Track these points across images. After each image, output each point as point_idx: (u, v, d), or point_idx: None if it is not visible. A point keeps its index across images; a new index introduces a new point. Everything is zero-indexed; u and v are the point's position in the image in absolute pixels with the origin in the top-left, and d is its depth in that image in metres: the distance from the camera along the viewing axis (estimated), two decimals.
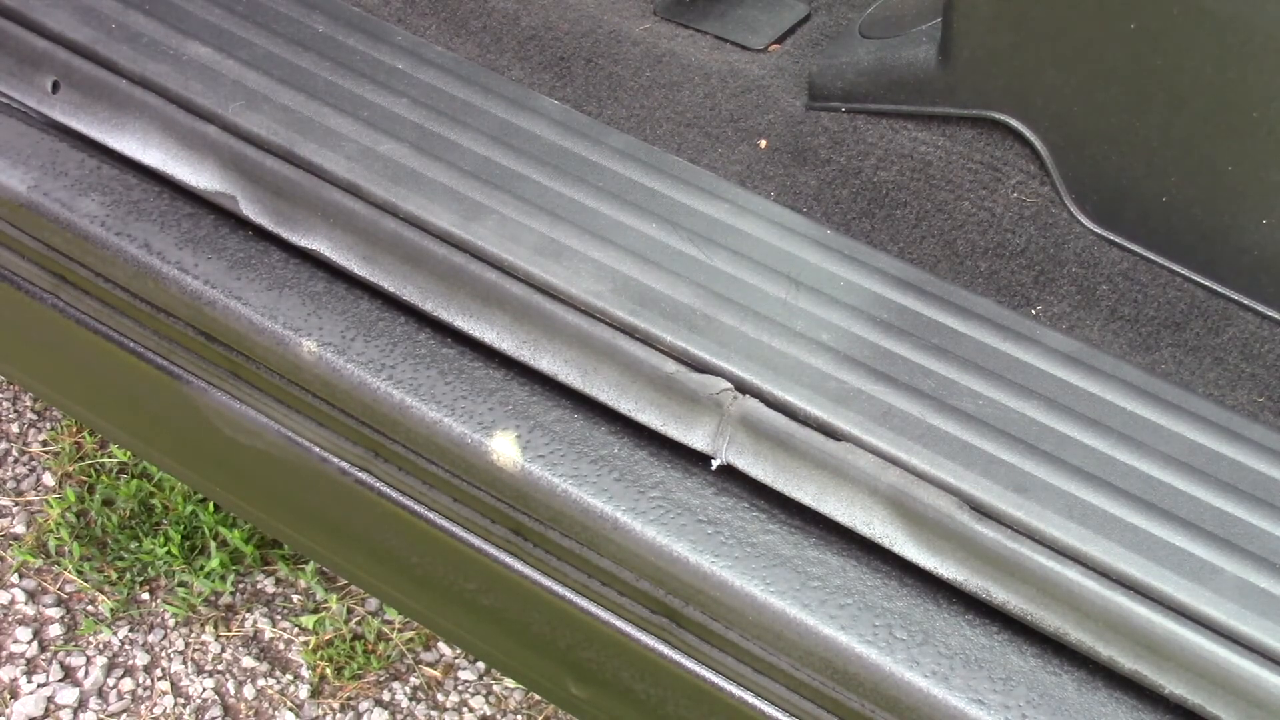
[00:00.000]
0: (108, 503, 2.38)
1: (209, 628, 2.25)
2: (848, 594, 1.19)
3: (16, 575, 2.31)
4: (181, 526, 2.33)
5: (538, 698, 2.16)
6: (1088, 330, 1.41)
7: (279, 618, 2.27)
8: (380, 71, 1.53)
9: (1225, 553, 1.13)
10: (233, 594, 2.29)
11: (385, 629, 2.24)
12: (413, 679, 2.20)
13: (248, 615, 2.27)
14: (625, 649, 1.35)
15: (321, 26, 1.58)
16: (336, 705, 2.16)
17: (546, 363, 1.32)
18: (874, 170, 1.56)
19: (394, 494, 1.42)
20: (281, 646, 2.24)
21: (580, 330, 1.30)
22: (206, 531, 2.32)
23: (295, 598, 2.29)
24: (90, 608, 2.27)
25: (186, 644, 2.23)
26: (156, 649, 2.23)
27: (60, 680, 2.19)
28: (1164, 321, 1.42)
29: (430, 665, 2.21)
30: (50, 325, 1.64)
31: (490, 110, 1.49)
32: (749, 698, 1.28)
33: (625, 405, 1.29)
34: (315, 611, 2.26)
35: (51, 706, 2.15)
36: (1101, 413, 1.24)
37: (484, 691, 2.18)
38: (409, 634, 2.24)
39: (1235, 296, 1.43)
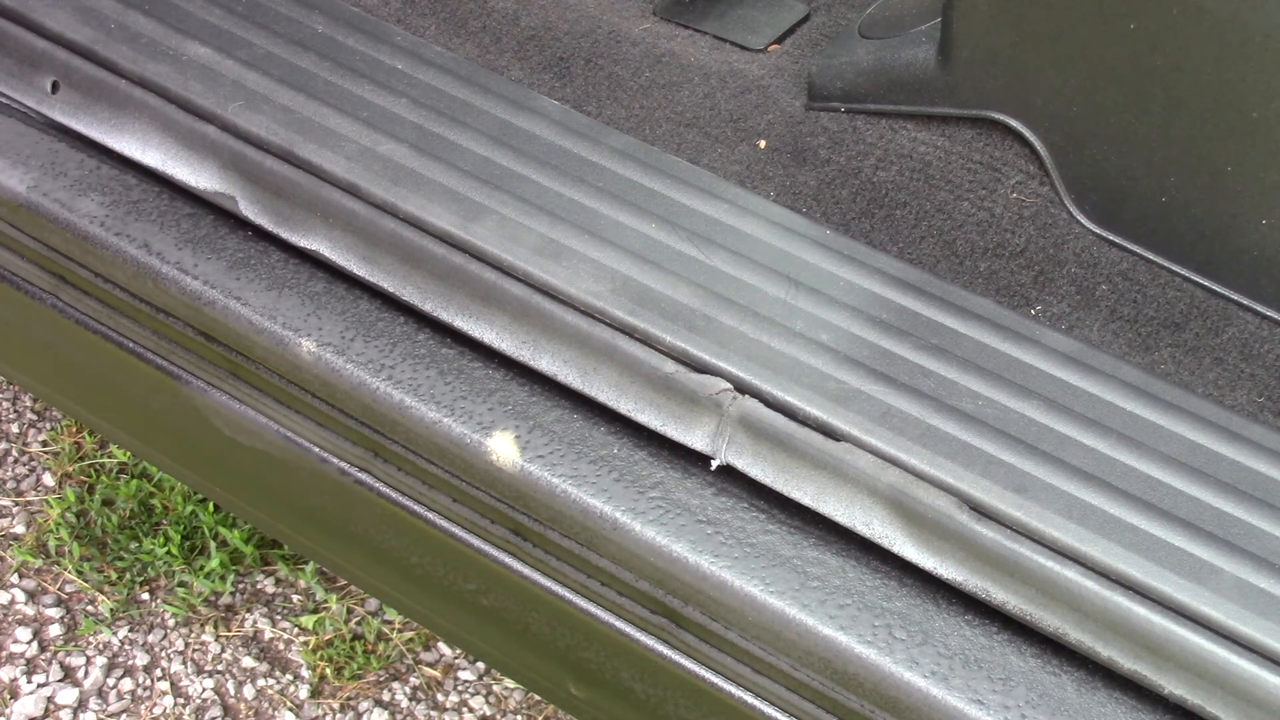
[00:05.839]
0: (108, 503, 2.38)
1: (209, 628, 2.25)
2: (847, 594, 1.19)
3: (16, 575, 2.31)
4: (181, 526, 2.33)
5: (538, 698, 2.16)
6: (1087, 330, 1.41)
7: (279, 618, 2.27)
8: (380, 71, 1.53)
9: (1225, 553, 1.13)
10: (233, 594, 2.29)
11: (385, 629, 2.24)
12: (413, 679, 2.20)
13: (248, 615, 2.27)
14: (625, 649, 1.35)
15: (321, 26, 1.58)
16: (336, 705, 2.16)
17: (546, 363, 1.32)
18: (873, 170, 1.56)
19: (394, 494, 1.42)
20: (281, 646, 2.24)
21: (579, 330, 1.30)
22: (206, 531, 2.32)
23: (295, 598, 2.29)
24: (90, 608, 2.27)
25: (186, 644, 2.23)
26: (156, 649, 2.23)
27: (60, 680, 2.19)
28: (1163, 321, 1.42)
29: (430, 665, 2.21)
30: (50, 325, 1.64)
31: (490, 110, 1.49)
32: (749, 698, 1.28)
33: (624, 405, 1.29)
34: (315, 611, 2.26)
35: (51, 706, 2.16)
36: (1101, 413, 1.24)
37: (484, 691, 2.18)
38: (409, 634, 2.24)
39: (1235, 297, 1.43)
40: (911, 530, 1.18)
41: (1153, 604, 1.11)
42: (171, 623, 2.25)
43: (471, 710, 2.16)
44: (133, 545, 2.32)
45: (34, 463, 2.45)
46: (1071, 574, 1.13)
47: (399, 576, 1.57)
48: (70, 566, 2.30)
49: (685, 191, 1.42)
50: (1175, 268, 1.46)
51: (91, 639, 2.23)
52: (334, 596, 2.27)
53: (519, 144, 1.45)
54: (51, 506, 2.36)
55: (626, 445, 1.29)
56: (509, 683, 2.19)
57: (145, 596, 2.29)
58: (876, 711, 1.18)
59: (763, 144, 1.60)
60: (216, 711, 2.15)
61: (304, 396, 1.42)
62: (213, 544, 2.31)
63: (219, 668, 2.21)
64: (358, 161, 1.41)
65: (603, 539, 1.26)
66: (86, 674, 2.20)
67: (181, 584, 2.29)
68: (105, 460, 2.44)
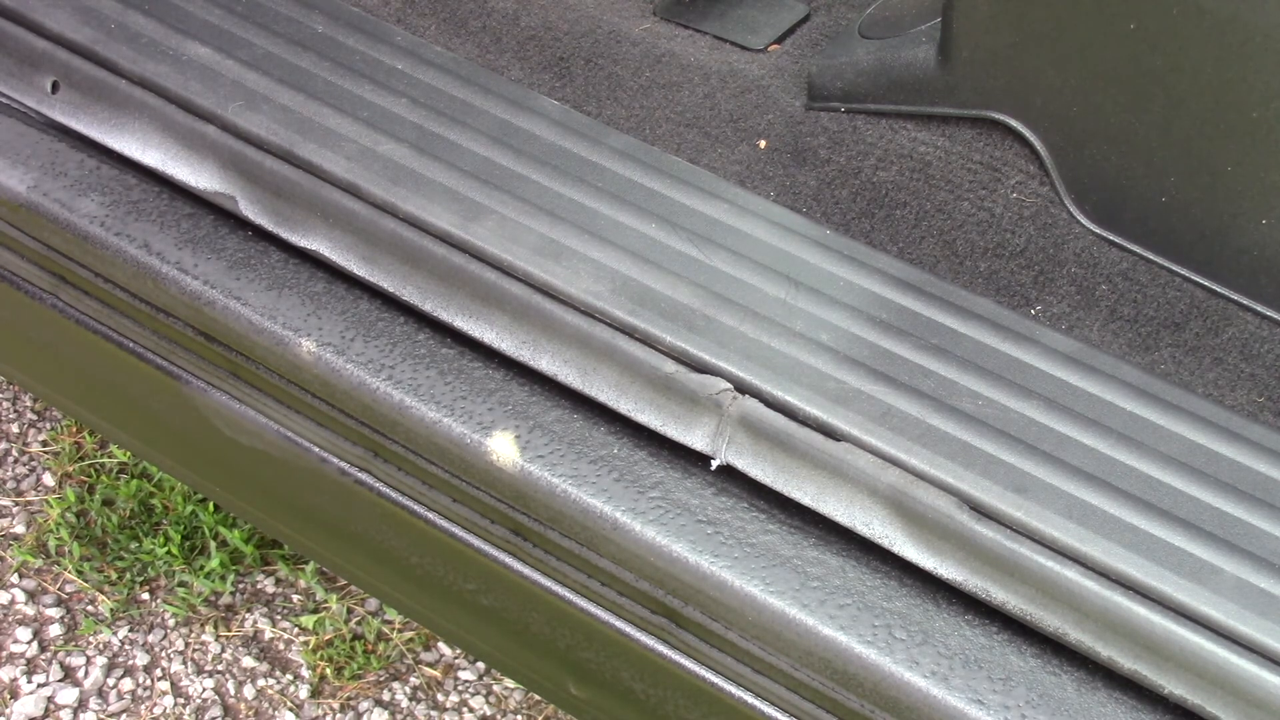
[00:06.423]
0: (108, 503, 2.38)
1: (209, 628, 2.25)
2: (847, 594, 1.19)
3: (16, 575, 2.31)
4: (181, 526, 2.33)
5: (538, 698, 2.16)
6: (1087, 330, 1.41)
7: (279, 618, 2.27)
8: (380, 71, 1.53)
9: (1225, 553, 1.13)
10: (233, 594, 2.29)
11: (385, 629, 2.24)
12: (413, 679, 2.20)
13: (248, 615, 2.27)
14: (625, 649, 1.35)
15: (321, 26, 1.58)
16: (336, 705, 2.16)
17: (546, 363, 1.32)
18: (873, 170, 1.56)
19: (394, 494, 1.42)
20: (281, 646, 2.24)
21: (580, 330, 1.30)
22: (206, 531, 2.32)
23: (295, 598, 2.29)
24: (90, 608, 2.27)
25: (186, 644, 2.23)
26: (156, 649, 2.23)
27: (60, 680, 2.19)
28: (1164, 321, 1.42)
29: (430, 665, 2.21)
30: (50, 325, 1.64)
31: (490, 110, 1.49)
32: (749, 698, 1.28)
33: (625, 405, 1.29)
34: (315, 611, 2.26)
35: (51, 706, 2.15)
36: (1101, 413, 1.24)
37: (484, 691, 2.18)
38: (409, 634, 2.24)
39: (1235, 296, 1.43)
40: (911, 530, 1.18)
41: (1153, 604, 1.11)
42: (171, 623, 2.25)
43: (471, 710, 2.16)
44: (133, 545, 2.32)
45: (34, 463, 2.45)
46: (1071, 574, 1.13)
47: (399, 576, 1.57)
48: (70, 566, 2.30)
49: (685, 191, 1.42)
50: (1175, 268, 1.46)
51: (91, 639, 2.23)
52: (334, 596, 2.27)
53: (519, 144, 1.45)
54: (51, 506, 2.36)
55: (626, 445, 1.29)
56: (509, 683, 2.19)
57: (145, 596, 2.29)
58: (876, 711, 1.18)
59: (763, 144, 1.60)
60: (216, 711, 2.15)
61: (304, 396, 1.42)
62: (213, 544, 2.31)
63: (219, 668, 2.21)
64: (358, 161, 1.41)
65: (603, 539, 1.26)
66: (86, 674, 2.20)
67: (181, 584, 2.29)
68: (105, 460, 2.44)
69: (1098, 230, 1.49)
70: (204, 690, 2.18)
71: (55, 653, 2.22)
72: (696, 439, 1.26)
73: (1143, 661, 1.12)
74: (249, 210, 1.44)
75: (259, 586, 2.31)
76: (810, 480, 1.22)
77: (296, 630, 2.25)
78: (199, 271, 1.42)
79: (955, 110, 1.55)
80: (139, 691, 2.18)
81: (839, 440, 1.21)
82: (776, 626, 1.19)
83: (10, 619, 2.26)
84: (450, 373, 1.34)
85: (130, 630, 2.25)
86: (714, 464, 1.26)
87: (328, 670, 2.19)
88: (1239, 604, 1.10)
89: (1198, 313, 1.43)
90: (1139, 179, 1.43)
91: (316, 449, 1.46)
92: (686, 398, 1.26)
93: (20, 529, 2.36)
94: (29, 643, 2.23)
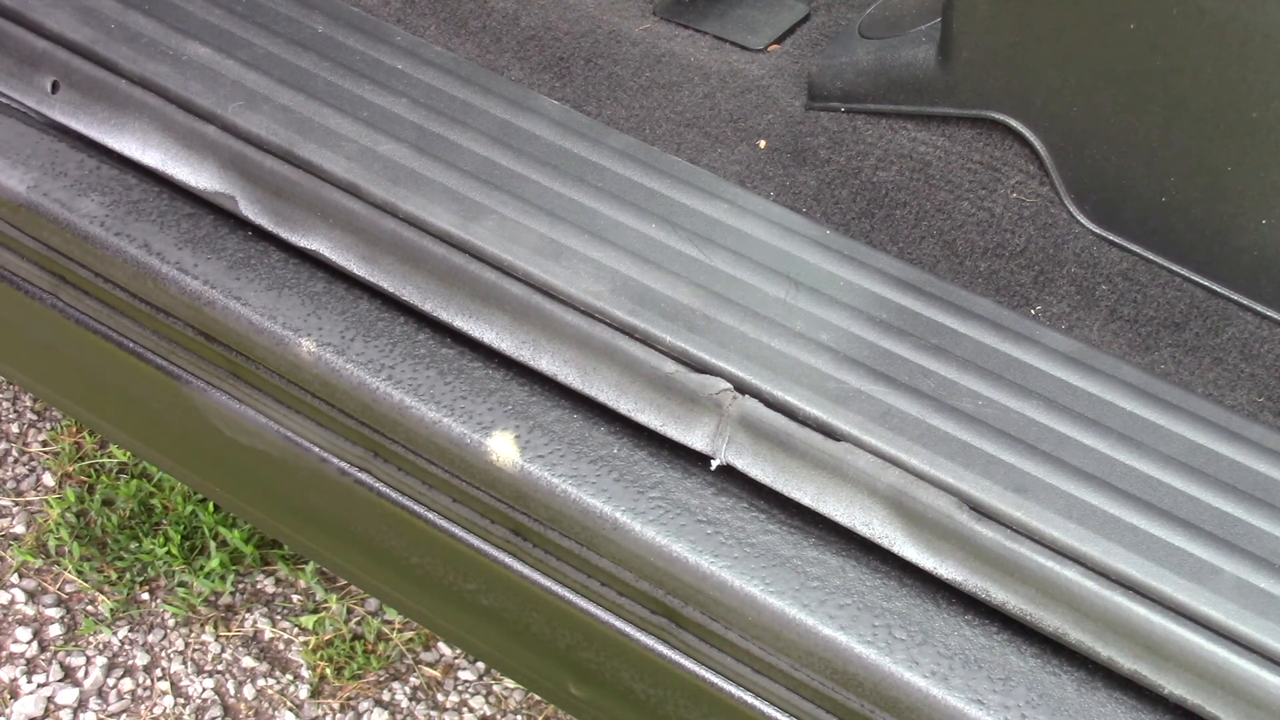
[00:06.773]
0: (108, 503, 2.38)
1: (209, 628, 2.25)
2: (847, 594, 1.19)
3: (16, 575, 2.31)
4: (181, 526, 2.33)
5: (538, 698, 2.16)
6: (1087, 330, 1.41)
7: (279, 618, 2.27)
8: (380, 71, 1.53)
9: (1225, 553, 1.13)
10: (233, 594, 2.29)
11: (385, 629, 2.24)
12: (413, 679, 2.20)
13: (248, 615, 2.27)
14: (625, 649, 1.35)
15: (321, 26, 1.58)
16: (336, 705, 2.16)
17: (546, 363, 1.32)
18: (873, 170, 1.56)
19: (393, 494, 1.42)
20: (281, 646, 2.24)
21: (580, 330, 1.30)
22: (206, 531, 2.32)
23: (295, 598, 2.29)
24: (90, 608, 2.27)
25: (186, 644, 2.23)
26: (156, 649, 2.23)
27: (60, 680, 2.19)
28: (1163, 321, 1.42)
29: (430, 665, 2.21)
30: (50, 325, 1.64)
31: (490, 110, 1.49)
32: (749, 698, 1.28)
33: (625, 405, 1.29)
34: (315, 611, 2.26)
35: (51, 706, 2.15)
36: (1101, 413, 1.24)
37: (484, 691, 2.18)
38: (409, 634, 2.24)
39: (1234, 296, 1.43)
40: (911, 530, 1.18)
41: (1153, 604, 1.11)
42: (171, 623, 2.25)
43: (471, 710, 2.16)
44: (133, 545, 2.32)
45: (34, 463, 2.45)
46: (1071, 574, 1.13)
47: (399, 576, 1.57)
48: (70, 566, 2.30)
49: (685, 191, 1.42)
50: (1175, 268, 1.46)
51: (91, 639, 2.23)
52: (334, 596, 2.27)
53: (519, 144, 1.45)
54: (51, 506, 2.36)
55: (626, 445, 1.29)
56: (509, 683, 2.19)
57: (145, 596, 2.29)
58: (876, 711, 1.18)
59: (763, 144, 1.60)
60: (216, 711, 2.15)
61: (304, 396, 1.42)
62: (213, 544, 2.31)
63: (219, 668, 2.21)
64: (358, 161, 1.41)
65: (603, 539, 1.26)
66: (86, 674, 2.20)
67: (181, 584, 2.29)
68: (105, 460, 2.44)
69: (1098, 230, 1.49)
70: (204, 690, 2.18)
71: (55, 653, 2.22)
72: (696, 439, 1.26)
73: (1143, 661, 1.12)
74: (249, 210, 1.44)
75: (259, 586, 2.31)
76: (810, 480, 1.22)
77: (296, 630, 2.25)
78: (199, 271, 1.42)
79: (955, 110, 1.55)
80: (139, 691, 2.18)
81: (839, 440, 1.21)
82: (776, 626, 1.19)
83: (10, 619, 2.26)
84: (450, 373, 1.34)
85: (130, 630, 2.25)
86: (714, 464, 1.26)
87: (328, 670, 2.19)
88: (1239, 604, 1.10)
89: (1198, 313, 1.43)
90: (1139, 179, 1.43)
91: (316, 449, 1.46)
92: (686, 398, 1.26)
93: (20, 529, 2.36)
94: (29, 643, 2.23)
